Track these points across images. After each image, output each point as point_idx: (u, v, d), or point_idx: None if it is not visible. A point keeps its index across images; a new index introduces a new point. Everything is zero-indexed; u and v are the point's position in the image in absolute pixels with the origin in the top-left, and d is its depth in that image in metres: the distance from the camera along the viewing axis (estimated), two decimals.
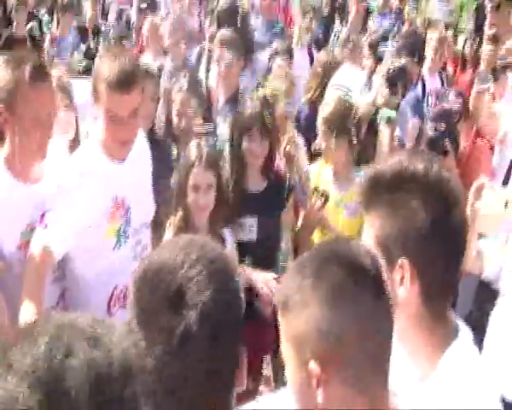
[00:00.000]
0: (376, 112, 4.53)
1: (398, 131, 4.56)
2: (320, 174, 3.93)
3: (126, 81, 2.64)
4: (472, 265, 3.25)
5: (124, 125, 2.71)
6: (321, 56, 5.75)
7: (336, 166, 3.85)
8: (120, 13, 9.89)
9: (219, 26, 6.20)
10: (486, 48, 5.82)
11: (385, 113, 4.36)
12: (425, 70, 5.93)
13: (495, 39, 5.63)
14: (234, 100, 4.64)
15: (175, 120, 3.91)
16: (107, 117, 2.70)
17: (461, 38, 8.20)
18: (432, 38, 5.95)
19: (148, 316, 1.41)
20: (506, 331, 3.17)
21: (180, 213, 3.28)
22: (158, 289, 1.41)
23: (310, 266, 1.36)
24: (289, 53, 5.99)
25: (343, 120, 3.78)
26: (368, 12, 11.40)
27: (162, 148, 3.84)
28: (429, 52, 5.88)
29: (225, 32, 5.44)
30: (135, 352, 1.11)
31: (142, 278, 1.45)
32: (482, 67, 5.77)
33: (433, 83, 5.87)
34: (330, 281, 1.31)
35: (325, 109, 3.87)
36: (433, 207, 1.52)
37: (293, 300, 1.33)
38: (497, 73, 5.06)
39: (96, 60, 2.81)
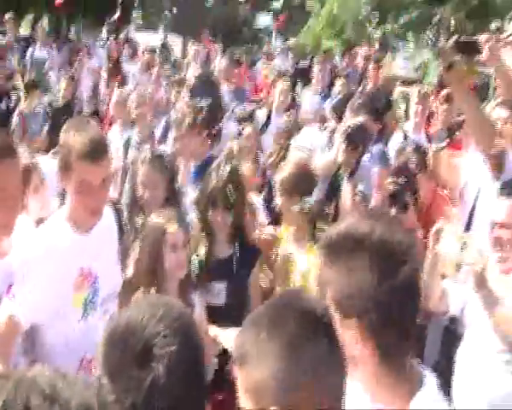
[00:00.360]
0: (338, 169, 4.67)
1: (360, 187, 4.67)
2: (282, 235, 4.04)
3: (98, 150, 2.72)
4: (437, 304, 3.38)
5: (96, 194, 2.77)
6: (284, 119, 5.91)
7: (294, 227, 3.94)
8: (95, 89, 10.03)
9: (191, 96, 6.34)
10: (441, 107, 5.96)
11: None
12: (409, 127, 6.02)
13: (449, 98, 5.75)
14: (202, 169, 4.74)
15: (140, 190, 4.00)
16: (80, 188, 2.74)
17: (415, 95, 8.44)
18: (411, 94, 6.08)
19: (117, 370, 1.49)
20: (472, 362, 3.26)
21: (151, 278, 3.31)
22: (126, 344, 1.50)
23: (265, 319, 1.42)
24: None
25: (298, 182, 3.87)
26: (334, 74, 11.71)
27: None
28: (412, 109, 5.95)
29: (193, 101, 5.57)
30: (98, 402, 1.14)
31: (111, 334, 1.54)
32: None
33: (419, 140, 5.86)
34: (285, 333, 1.38)
35: (280, 172, 3.99)
36: (379, 268, 1.57)
37: (250, 353, 1.39)
38: (452, 131, 5.22)
39: (62, 134, 2.84)
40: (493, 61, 3.91)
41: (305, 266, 3.74)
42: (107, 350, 1.52)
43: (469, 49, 3.82)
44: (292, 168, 3.95)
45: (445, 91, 5.44)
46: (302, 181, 3.89)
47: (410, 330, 1.64)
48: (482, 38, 3.85)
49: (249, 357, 1.39)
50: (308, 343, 1.37)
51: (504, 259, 3.32)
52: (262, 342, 1.38)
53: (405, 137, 6.06)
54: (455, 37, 3.74)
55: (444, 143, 4.66)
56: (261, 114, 6.77)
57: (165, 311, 1.56)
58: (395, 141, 5.96)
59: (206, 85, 7.35)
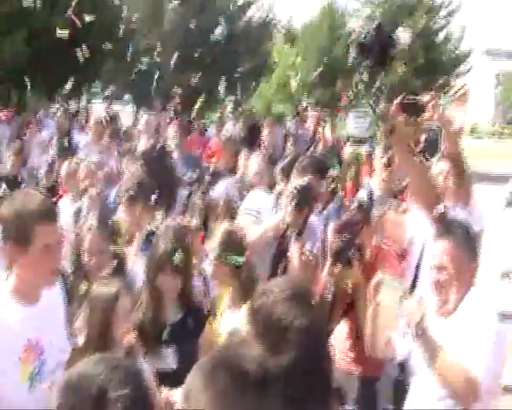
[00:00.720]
0: (286, 230, 4.75)
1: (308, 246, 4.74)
2: (221, 300, 4.11)
3: (52, 210, 2.81)
4: (384, 350, 3.46)
5: (55, 254, 2.82)
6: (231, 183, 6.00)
7: (228, 290, 4.03)
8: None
9: (143, 166, 6.40)
10: (384, 173, 6.03)
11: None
12: (374, 184, 6.06)
13: (391, 163, 5.79)
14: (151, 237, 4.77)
15: (85, 257, 4.02)
16: (43, 251, 2.75)
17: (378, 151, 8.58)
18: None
19: None
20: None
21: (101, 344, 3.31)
22: (81, 390, 1.56)
23: (204, 369, 1.54)
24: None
25: (229, 249, 3.96)
26: (285, 137, 11.91)
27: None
28: (377, 166, 5.97)
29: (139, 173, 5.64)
30: None
31: (66, 383, 1.60)
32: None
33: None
34: (217, 385, 1.48)
35: (213, 240, 4.08)
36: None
37: (190, 395, 1.52)
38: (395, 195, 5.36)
39: (10, 205, 2.83)
40: (437, 118, 4.09)
41: (237, 326, 3.80)
42: (63, 400, 1.57)
43: (413, 108, 3.98)
44: (221, 237, 4.05)
45: (385, 158, 5.54)
46: (232, 248, 3.97)
47: None
48: (425, 96, 4.04)
49: (190, 399, 1.52)
50: (237, 398, 1.45)
51: (444, 301, 3.41)
52: (199, 391, 1.50)
53: (370, 194, 6.06)
54: (397, 99, 3.90)
55: (385, 208, 4.76)
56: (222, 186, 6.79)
57: (115, 361, 1.66)
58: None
59: (158, 154, 7.46)
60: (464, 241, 3.45)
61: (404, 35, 3.93)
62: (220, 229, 4.12)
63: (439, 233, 3.53)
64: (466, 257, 3.43)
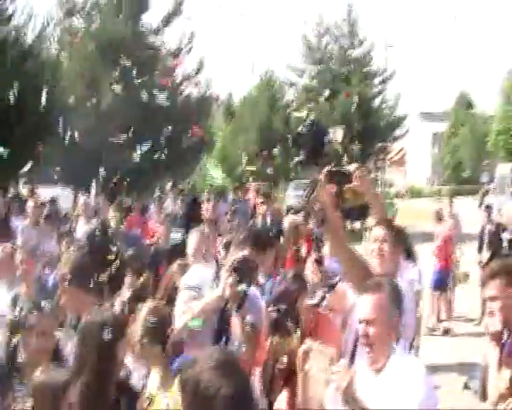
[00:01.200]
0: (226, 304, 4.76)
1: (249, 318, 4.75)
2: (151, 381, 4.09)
3: None
4: None
5: None
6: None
7: (157, 369, 3.99)
8: None
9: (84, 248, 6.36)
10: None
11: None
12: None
13: (320, 261, 5.78)
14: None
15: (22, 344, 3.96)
16: None
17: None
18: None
19: None
20: None
21: None
22: None
23: None
24: None
25: (156, 329, 3.97)
26: (226, 211, 12.02)
27: None
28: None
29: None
30: None
31: None
32: None
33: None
34: None
35: (138, 321, 4.08)
36: None
37: None
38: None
39: None
40: (363, 186, 4.29)
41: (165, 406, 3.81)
42: None
43: (340, 178, 4.11)
44: (146, 317, 4.04)
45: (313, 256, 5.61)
46: (160, 328, 3.98)
47: None
48: (351, 167, 4.19)
49: None
50: None
51: (373, 359, 3.45)
52: None
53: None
54: (324, 170, 4.01)
55: (316, 301, 4.80)
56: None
57: None
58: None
59: (98, 237, 7.43)
60: (391, 296, 3.53)
61: (337, 133, 4.09)
62: (144, 308, 4.11)
63: (368, 288, 3.60)
64: (393, 312, 3.50)
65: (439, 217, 13.43)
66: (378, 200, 4.80)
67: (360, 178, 4.26)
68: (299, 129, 3.98)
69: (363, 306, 3.54)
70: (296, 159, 4.02)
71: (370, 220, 5.64)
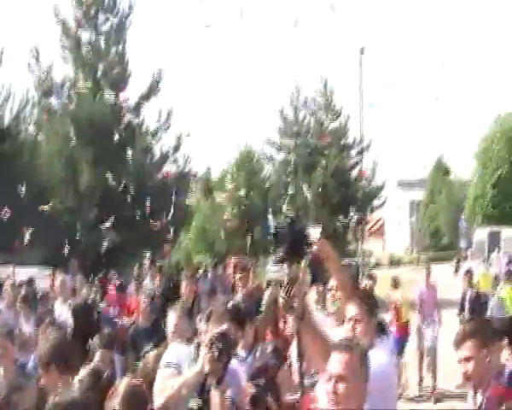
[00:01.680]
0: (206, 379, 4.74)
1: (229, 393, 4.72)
2: None
3: None
4: None
5: None
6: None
7: None
8: None
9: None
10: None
11: None
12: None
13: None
14: None
15: None
16: None
17: None
18: None
19: None
20: None
21: None
22: None
23: None
24: None
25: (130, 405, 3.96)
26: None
27: None
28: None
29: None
30: None
31: None
32: None
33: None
34: None
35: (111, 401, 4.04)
36: None
37: None
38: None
39: None
40: (323, 252, 4.36)
41: None
42: None
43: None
44: (122, 394, 4.03)
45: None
46: (138, 405, 4.00)
47: None
48: (312, 232, 4.26)
49: None
50: None
51: None
52: None
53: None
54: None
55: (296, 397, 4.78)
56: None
57: None
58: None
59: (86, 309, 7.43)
60: (361, 358, 3.54)
61: (314, 231, 4.17)
62: (122, 384, 4.09)
63: (340, 346, 3.61)
64: (361, 374, 3.50)
65: (395, 284, 13.57)
66: (339, 263, 4.85)
67: (320, 242, 4.30)
68: (278, 227, 4.02)
69: (333, 363, 3.53)
70: (276, 257, 4.05)
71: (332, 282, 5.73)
